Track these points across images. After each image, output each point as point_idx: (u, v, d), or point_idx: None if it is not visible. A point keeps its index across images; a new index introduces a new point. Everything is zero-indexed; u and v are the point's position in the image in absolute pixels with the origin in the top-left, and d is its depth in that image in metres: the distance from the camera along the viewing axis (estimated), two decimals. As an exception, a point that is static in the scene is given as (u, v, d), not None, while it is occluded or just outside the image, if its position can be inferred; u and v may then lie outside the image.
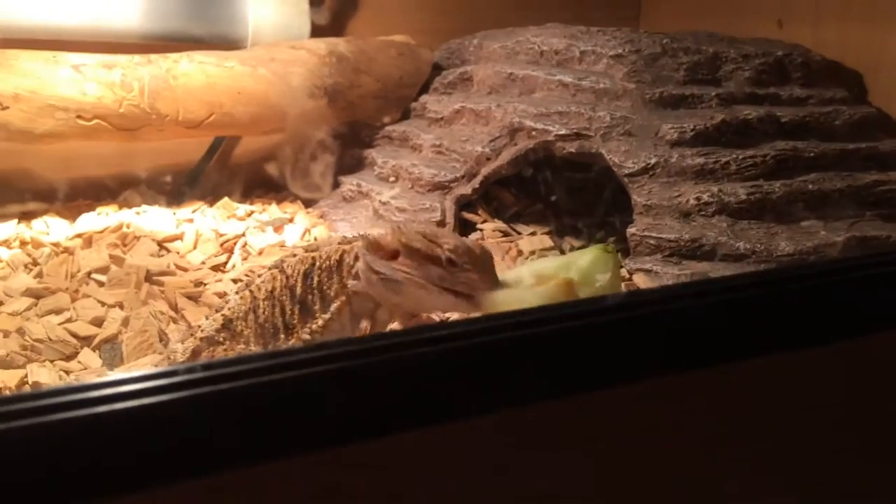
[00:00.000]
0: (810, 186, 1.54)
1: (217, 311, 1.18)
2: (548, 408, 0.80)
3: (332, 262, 1.18)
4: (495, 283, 1.09)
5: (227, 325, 1.16)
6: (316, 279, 1.18)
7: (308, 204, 1.96)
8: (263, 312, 1.16)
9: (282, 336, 1.17)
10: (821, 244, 1.44)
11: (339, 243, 1.20)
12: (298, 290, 1.17)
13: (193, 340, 1.15)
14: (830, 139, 1.66)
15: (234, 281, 1.52)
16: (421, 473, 0.75)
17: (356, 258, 1.17)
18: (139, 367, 1.24)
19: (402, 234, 1.13)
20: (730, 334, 0.85)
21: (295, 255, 1.21)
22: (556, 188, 1.76)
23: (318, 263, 1.18)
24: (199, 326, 1.18)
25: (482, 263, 1.10)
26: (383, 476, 0.72)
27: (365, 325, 1.17)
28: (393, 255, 1.13)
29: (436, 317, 1.35)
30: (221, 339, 1.15)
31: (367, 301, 1.18)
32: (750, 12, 2.14)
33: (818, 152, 1.60)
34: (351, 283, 1.16)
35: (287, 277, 1.18)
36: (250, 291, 1.18)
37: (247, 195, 2.00)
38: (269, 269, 1.20)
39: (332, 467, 0.70)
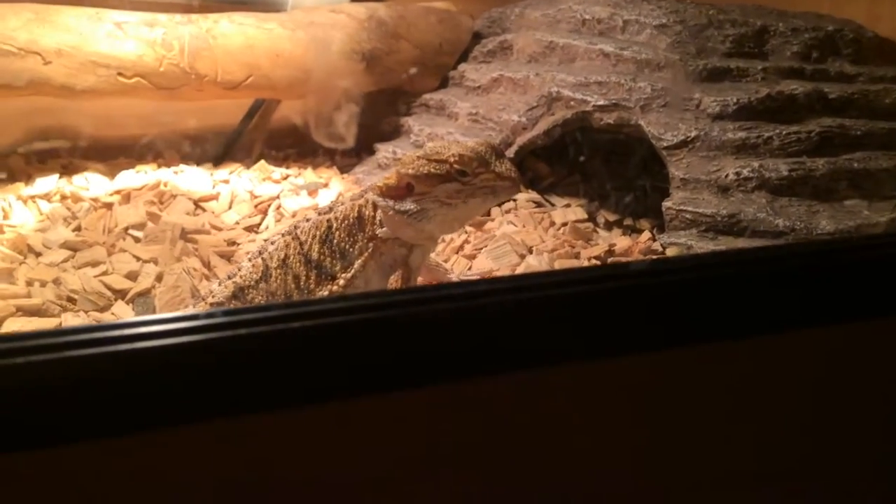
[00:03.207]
0: (855, 165, 1.50)
1: (229, 278, 1.17)
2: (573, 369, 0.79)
3: (350, 220, 1.16)
4: (511, 168, 1.11)
5: (237, 293, 1.14)
6: (335, 240, 1.16)
7: (343, 170, 1.97)
8: (276, 280, 1.14)
9: None
10: (864, 224, 1.40)
11: (352, 199, 1.19)
12: (315, 255, 1.15)
13: (204, 305, 1.15)
14: (878, 118, 1.60)
15: (265, 240, 1.53)
16: (441, 429, 0.75)
17: (374, 208, 1.15)
18: (170, 321, 1.25)
19: (406, 166, 1.11)
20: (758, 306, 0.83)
21: (308, 220, 1.19)
22: (593, 160, 1.73)
23: (334, 225, 1.16)
24: (211, 292, 1.17)
25: (492, 158, 1.10)
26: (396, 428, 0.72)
27: (395, 278, 1.15)
28: (407, 190, 1.12)
29: (452, 276, 1.35)
30: (231, 307, 1.13)
31: (400, 247, 1.16)
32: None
33: (865, 130, 1.55)
34: (380, 231, 1.14)
35: (301, 244, 1.16)
36: (262, 259, 1.16)
37: (283, 159, 2.02)
38: (283, 235, 1.18)
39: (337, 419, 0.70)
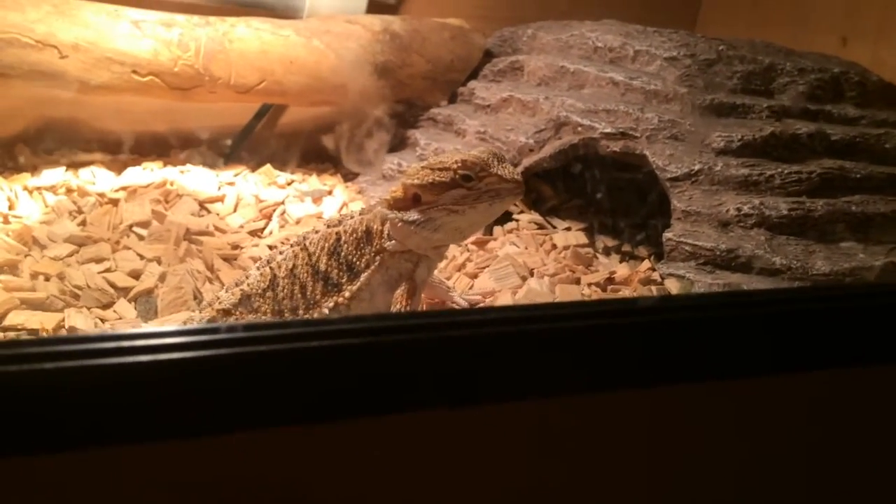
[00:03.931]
0: (854, 208, 1.53)
1: (236, 286, 1.19)
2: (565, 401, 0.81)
3: (358, 233, 1.18)
4: (515, 171, 1.13)
5: (244, 300, 1.16)
6: (343, 253, 1.18)
7: (348, 178, 1.98)
8: (283, 290, 1.17)
9: (300, 313, 1.17)
10: (858, 267, 1.43)
11: (361, 213, 1.21)
12: (322, 266, 1.17)
13: (210, 311, 1.17)
14: (879, 162, 1.64)
15: (270, 247, 1.54)
16: (434, 454, 0.76)
17: (383, 222, 1.17)
18: (172, 322, 1.27)
19: (411, 177, 1.14)
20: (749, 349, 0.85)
21: (317, 232, 1.21)
22: (597, 186, 1.76)
23: (343, 238, 1.18)
24: (218, 298, 1.19)
25: (495, 162, 1.12)
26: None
27: (400, 293, 1.16)
28: (414, 201, 1.14)
29: (462, 300, 1.36)
30: (238, 314, 1.16)
31: (406, 261, 1.18)
32: (812, 25, 2.11)
33: (865, 174, 1.58)
34: (388, 244, 1.16)
35: (309, 255, 1.18)
36: (270, 268, 1.18)
37: (288, 164, 2.03)
38: (291, 245, 1.20)
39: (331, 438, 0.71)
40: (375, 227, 1.18)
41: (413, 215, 1.13)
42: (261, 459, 0.70)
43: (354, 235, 1.18)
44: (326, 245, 1.18)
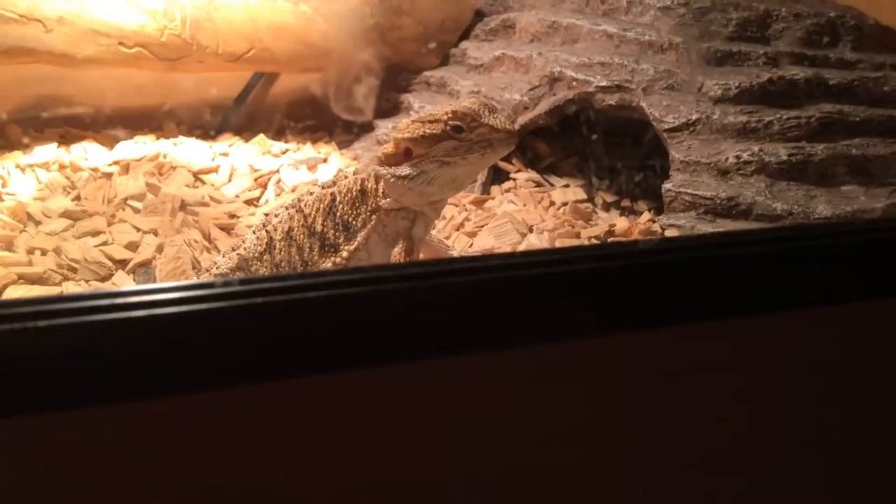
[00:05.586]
0: (854, 151, 1.51)
1: (233, 250, 1.18)
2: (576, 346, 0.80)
3: (353, 192, 1.17)
4: (506, 121, 1.11)
5: (241, 264, 1.16)
6: (339, 213, 1.17)
7: (342, 146, 1.96)
8: (280, 252, 1.16)
9: None
10: (860, 210, 1.42)
11: (355, 173, 1.20)
12: (318, 227, 1.16)
13: (208, 277, 1.17)
14: (878, 105, 1.62)
15: (266, 215, 1.53)
16: (441, 403, 0.76)
17: (377, 181, 1.16)
18: (171, 292, 1.26)
19: (401, 132, 1.12)
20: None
21: (312, 194, 1.20)
22: (593, 141, 1.74)
23: (338, 198, 1.17)
24: (215, 263, 1.18)
25: (486, 112, 1.11)
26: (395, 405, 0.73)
27: (398, 251, 1.15)
28: (406, 155, 1.12)
29: (454, 252, 1.35)
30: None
31: (402, 219, 1.16)
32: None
33: (864, 117, 1.57)
34: (383, 202, 1.15)
35: (305, 217, 1.17)
36: (266, 231, 1.18)
37: (282, 133, 2.01)
38: (287, 208, 1.19)
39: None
40: (370, 185, 1.16)
41: (405, 170, 1.12)
42: (260, 413, 0.69)
43: (349, 195, 1.17)
44: (321, 206, 1.17)
